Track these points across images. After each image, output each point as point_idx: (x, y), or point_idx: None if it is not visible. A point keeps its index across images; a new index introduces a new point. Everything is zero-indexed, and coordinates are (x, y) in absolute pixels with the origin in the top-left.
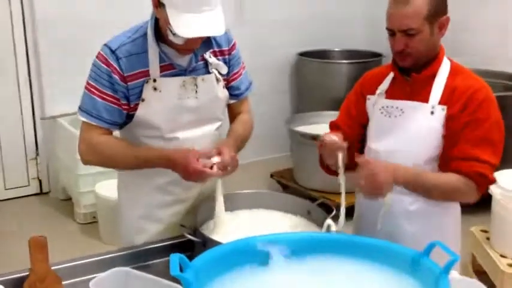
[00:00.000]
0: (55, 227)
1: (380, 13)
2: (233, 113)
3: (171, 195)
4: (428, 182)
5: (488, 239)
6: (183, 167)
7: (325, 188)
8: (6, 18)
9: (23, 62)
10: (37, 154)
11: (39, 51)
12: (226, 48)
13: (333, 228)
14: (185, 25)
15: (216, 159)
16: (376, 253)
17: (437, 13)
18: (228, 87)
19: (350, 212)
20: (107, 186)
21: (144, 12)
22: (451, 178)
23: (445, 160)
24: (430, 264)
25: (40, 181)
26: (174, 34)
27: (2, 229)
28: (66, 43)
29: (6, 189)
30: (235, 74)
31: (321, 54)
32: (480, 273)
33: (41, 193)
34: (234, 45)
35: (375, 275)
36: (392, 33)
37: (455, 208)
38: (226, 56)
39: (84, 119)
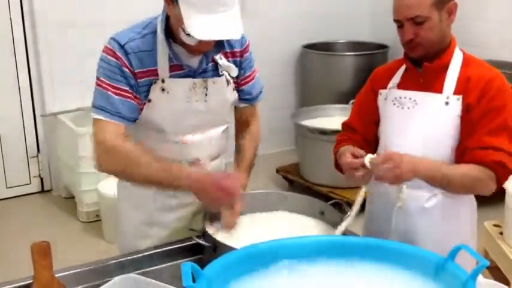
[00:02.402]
0: (58, 225)
1: (385, 4)
2: (241, 120)
3: (175, 199)
4: (449, 175)
5: (501, 233)
6: (212, 185)
7: (332, 183)
8: (5, 14)
9: (22, 58)
10: (38, 152)
11: (39, 48)
12: (239, 50)
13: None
14: (200, 26)
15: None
16: (400, 257)
17: None
18: (239, 90)
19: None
20: (110, 184)
21: (147, 11)
22: (471, 169)
23: (462, 151)
24: (456, 269)
25: (42, 179)
26: (187, 34)
27: (5, 228)
28: (65, 40)
29: (7, 187)
30: (247, 77)
31: (325, 47)
32: (493, 269)
33: (42, 191)
34: (247, 47)
35: (398, 279)
36: (400, 24)
37: (472, 203)
38: (238, 58)
39: (99, 117)
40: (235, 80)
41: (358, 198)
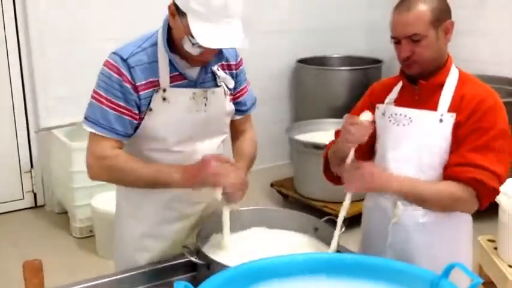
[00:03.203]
0: (51, 241)
1: (378, 20)
2: (237, 130)
3: (175, 212)
4: (424, 192)
5: (495, 248)
6: (199, 166)
7: (326, 197)
8: (0, 30)
9: (16, 74)
10: (31, 167)
11: (33, 63)
12: (234, 63)
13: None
14: (208, 35)
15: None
16: (393, 274)
17: (441, 17)
18: (235, 102)
19: (356, 220)
20: (103, 199)
21: (145, 25)
22: (448, 186)
23: (445, 166)
24: (450, 287)
25: (35, 194)
26: (193, 44)
27: None
28: (60, 54)
29: (0, 203)
30: (242, 89)
31: (320, 61)
32: (488, 284)
33: (35, 207)
34: (240, 60)
35: None
36: (397, 41)
37: (467, 219)
38: (234, 71)
39: (92, 130)
40: (232, 93)
41: (341, 212)
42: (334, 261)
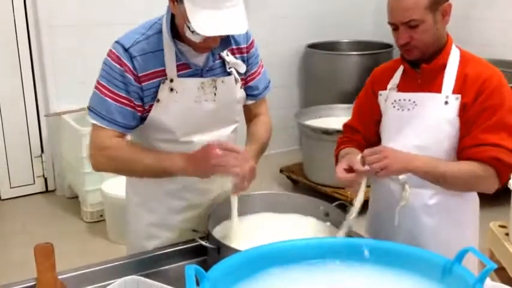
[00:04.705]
0: (61, 226)
1: None
2: (251, 115)
3: (184, 201)
4: (445, 170)
5: (507, 234)
6: (203, 154)
7: (336, 183)
8: (9, 15)
9: (26, 58)
10: (42, 152)
11: (43, 48)
12: (245, 46)
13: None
14: (205, 22)
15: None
16: (404, 259)
17: (438, 0)
18: (246, 87)
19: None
20: (114, 184)
21: (150, 11)
22: (469, 166)
23: (459, 151)
24: (463, 272)
25: (45, 179)
26: (192, 32)
27: (8, 228)
28: (69, 39)
29: (11, 187)
30: (253, 73)
31: (329, 46)
32: (499, 270)
33: (46, 191)
34: (252, 42)
35: (403, 282)
36: (395, 27)
37: (474, 201)
38: (245, 54)
39: (94, 122)
40: (243, 77)
41: (359, 197)
42: (346, 245)
